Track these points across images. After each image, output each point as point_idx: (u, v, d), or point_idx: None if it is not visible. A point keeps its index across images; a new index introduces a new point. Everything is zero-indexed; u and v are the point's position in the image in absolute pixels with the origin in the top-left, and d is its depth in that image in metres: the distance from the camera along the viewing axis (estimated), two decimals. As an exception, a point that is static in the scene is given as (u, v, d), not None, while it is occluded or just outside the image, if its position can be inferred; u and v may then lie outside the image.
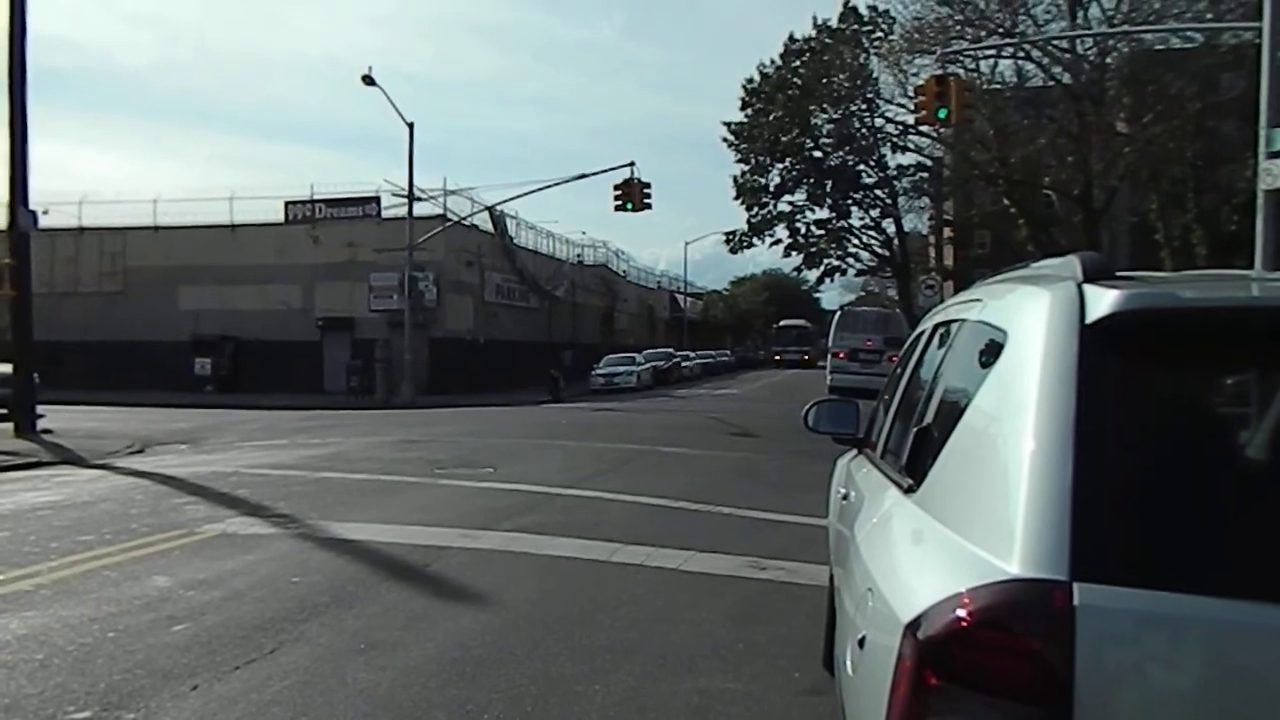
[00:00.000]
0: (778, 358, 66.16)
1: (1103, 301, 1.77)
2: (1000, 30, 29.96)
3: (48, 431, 16.47)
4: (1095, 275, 1.92)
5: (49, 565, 6.72)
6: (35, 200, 16.99)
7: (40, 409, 16.96)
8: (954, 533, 1.83)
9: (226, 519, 8.58)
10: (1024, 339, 1.91)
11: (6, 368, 18.19)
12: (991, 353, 2.09)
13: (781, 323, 72.78)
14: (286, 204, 35.63)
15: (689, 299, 74.73)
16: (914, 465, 2.41)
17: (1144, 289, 1.80)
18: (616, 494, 10.02)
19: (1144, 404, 1.76)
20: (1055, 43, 29.20)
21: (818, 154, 48.95)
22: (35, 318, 17.21)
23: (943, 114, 18.23)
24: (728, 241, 54.83)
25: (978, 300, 2.57)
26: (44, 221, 18.62)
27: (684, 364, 47.86)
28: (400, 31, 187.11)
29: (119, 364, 33.91)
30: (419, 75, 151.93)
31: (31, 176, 16.64)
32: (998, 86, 34.06)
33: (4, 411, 17.87)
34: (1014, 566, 1.54)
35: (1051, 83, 31.60)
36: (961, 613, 1.55)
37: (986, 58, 33.11)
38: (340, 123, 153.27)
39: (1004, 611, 1.52)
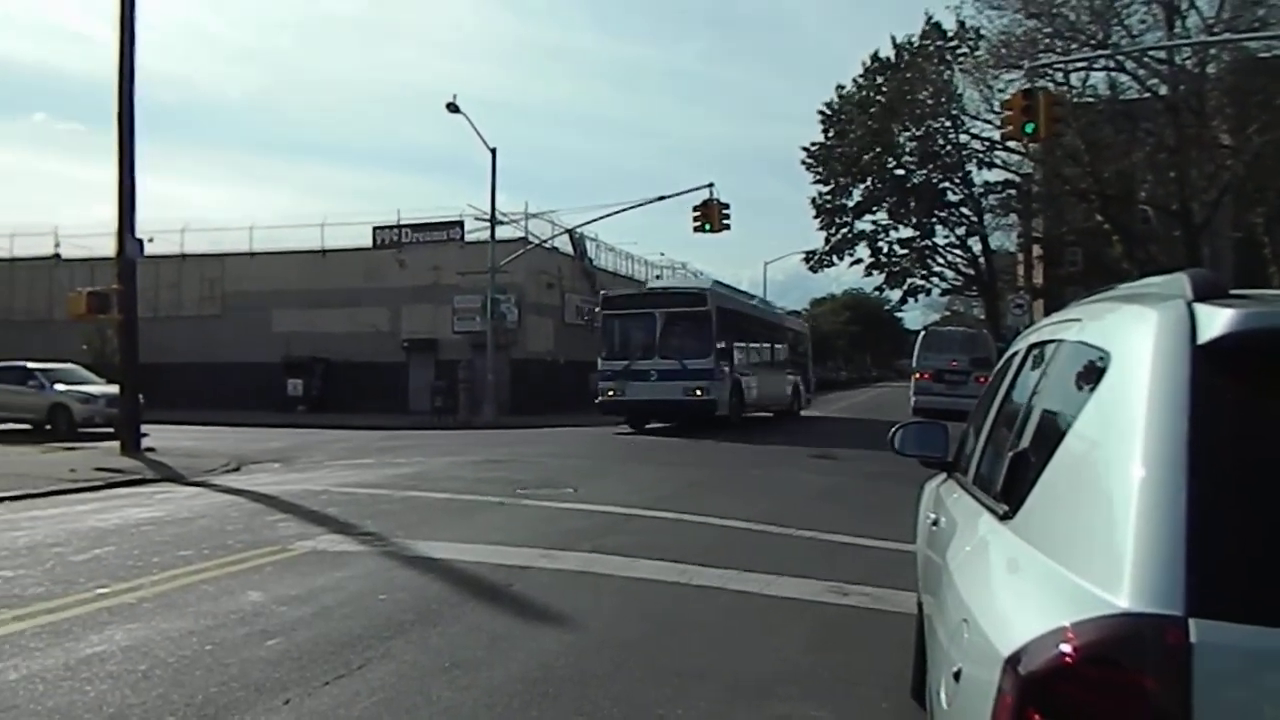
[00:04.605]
0: (610, 395, 23.11)
1: (1216, 321, 1.69)
2: (1092, 42, 29.10)
3: (151, 450, 17.20)
4: (1207, 293, 1.83)
5: (151, 579, 6.99)
6: (141, 229, 17.85)
7: (144, 428, 17.73)
8: (1055, 562, 1.76)
9: (317, 536, 8.81)
10: (1129, 360, 1.83)
11: (114, 389, 19.13)
12: (1093, 375, 2.01)
13: (632, 292, 28.76)
14: (374, 229, 36.70)
15: (768, 320, 73.85)
16: (1010, 491, 2.33)
17: (1260, 308, 1.71)
18: (696, 515, 9.95)
19: (1260, 429, 1.67)
20: (1151, 54, 28.23)
21: (900, 172, 48.35)
22: (140, 341, 18.07)
23: (1030, 129, 17.83)
24: (807, 260, 54.59)
25: (1076, 320, 2.49)
26: (149, 249, 19.55)
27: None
28: (482, 59, 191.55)
29: (217, 384, 35.26)
30: (501, 101, 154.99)
31: (138, 207, 17.51)
32: (1090, 100, 33.07)
33: (111, 430, 18.76)
34: (1124, 600, 1.48)
35: (1147, 95, 30.52)
36: (1067, 648, 1.48)
37: (1078, 69, 32.18)
38: (425, 149, 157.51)
39: (1116, 648, 1.45)
